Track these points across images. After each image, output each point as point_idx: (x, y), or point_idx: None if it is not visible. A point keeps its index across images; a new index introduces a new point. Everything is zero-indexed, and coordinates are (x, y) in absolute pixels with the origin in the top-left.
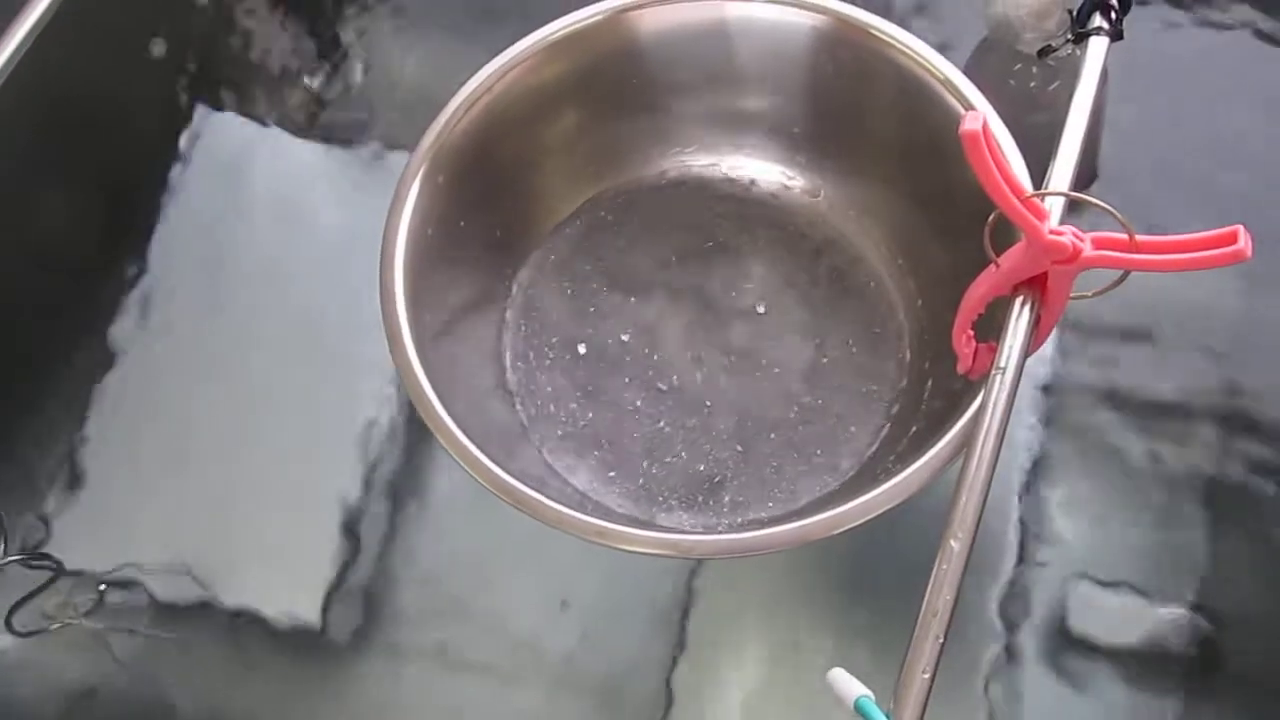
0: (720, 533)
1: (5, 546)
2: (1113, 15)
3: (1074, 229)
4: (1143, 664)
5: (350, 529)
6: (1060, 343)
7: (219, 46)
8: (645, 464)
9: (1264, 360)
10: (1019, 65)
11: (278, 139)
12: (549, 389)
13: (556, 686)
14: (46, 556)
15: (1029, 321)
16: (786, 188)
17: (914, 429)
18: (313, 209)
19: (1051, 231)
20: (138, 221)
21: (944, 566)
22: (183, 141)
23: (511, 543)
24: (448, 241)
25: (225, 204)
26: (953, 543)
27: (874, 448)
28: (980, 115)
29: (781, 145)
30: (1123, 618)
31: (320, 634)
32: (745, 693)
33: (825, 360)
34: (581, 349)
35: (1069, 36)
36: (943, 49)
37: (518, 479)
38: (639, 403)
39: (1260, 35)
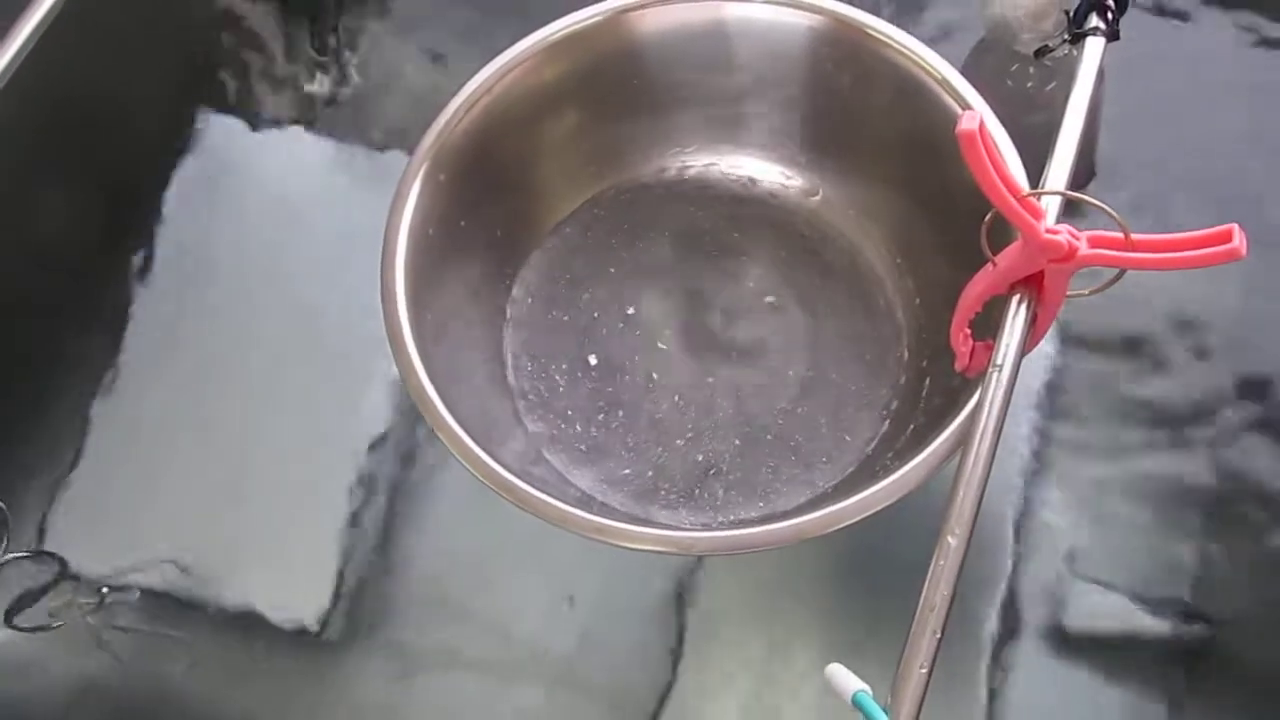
0: (719, 529)
1: (8, 544)
2: (1109, 16)
3: (1070, 228)
4: (1139, 663)
5: (350, 528)
6: (1059, 341)
7: (219, 46)
8: (644, 461)
9: (1264, 361)
10: (1016, 65)
11: (278, 139)
12: (549, 387)
13: (556, 685)
14: (49, 555)
15: (1026, 319)
16: (785, 187)
17: (912, 426)
18: (313, 209)
19: (1047, 230)
20: (138, 221)
21: (941, 562)
22: (183, 141)
23: (512, 541)
24: (448, 241)
25: (225, 204)
26: (950, 539)
27: (873, 445)
28: (977, 115)
29: (780, 145)
30: (1119, 617)
31: (320, 633)
32: (744, 689)
33: (824, 359)
34: (581, 348)
35: (1066, 37)
36: (940, 49)
37: (518, 477)
38: (638, 400)
39: (1258, 35)
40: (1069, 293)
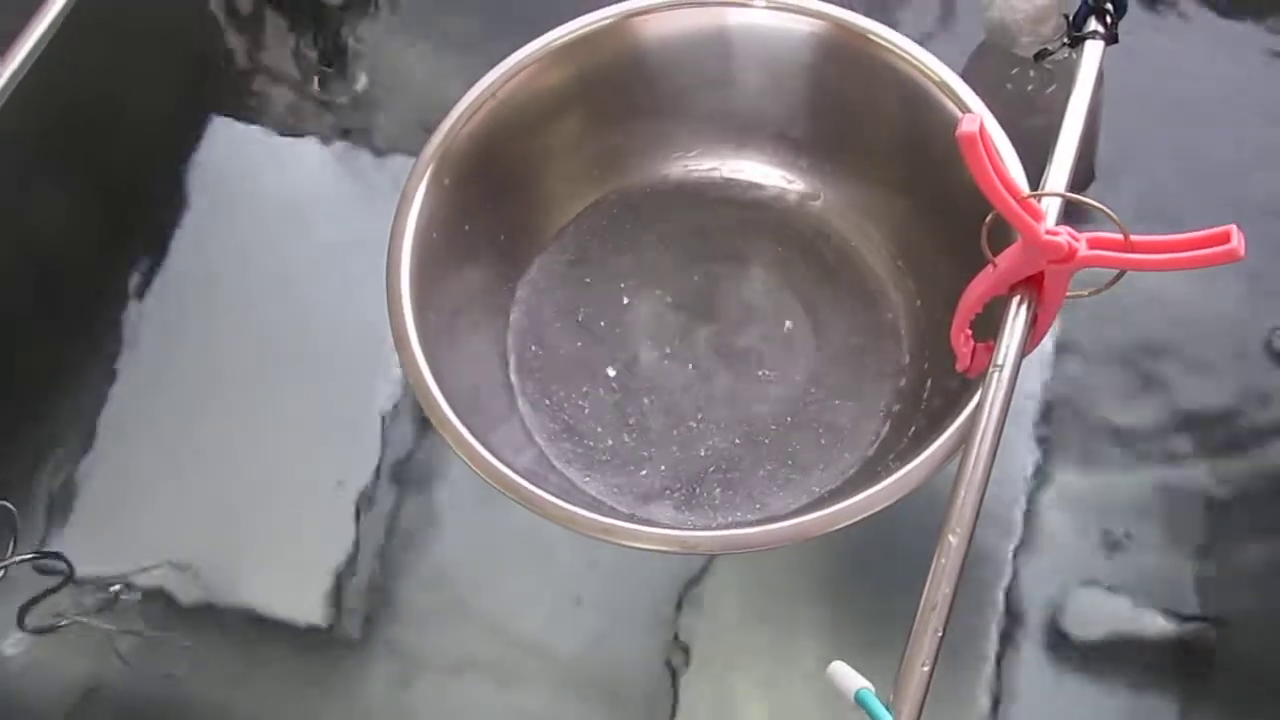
0: (722, 529)
1: (15, 545)
2: (1108, 20)
3: (1070, 229)
4: (1139, 663)
5: (355, 530)
6: (1060, 343)
7: (224, 51)
8: (647, 462)
9: (1264, 363)
10: (1016, 69)
11: (282, 143)
12: (552, 389)
13: (560, 685)
14: (57, 556)
15: (1026, 320)
16: (787, 191)
17: (914, 427)
18: (317, 213)
19: (1047, 232)
20: (142, 225)
21: (943, 561)
22: (187, 145)
23: (516, 541)
24: (453, 244)
25: (230, 207)
26: (951, 538)
27: (874, 446)
28: (977, 118)
29: (782, 149)
30: (1121, 618)
31: (326, 633)
32: (747, 688)
33: (826, 360)
34: (584, 351)
35: (1065, 40)
36: (941, 54)
37: (523, 477)
38: (640, 401)
39: (1257, 38)
40: (1069, 294)
